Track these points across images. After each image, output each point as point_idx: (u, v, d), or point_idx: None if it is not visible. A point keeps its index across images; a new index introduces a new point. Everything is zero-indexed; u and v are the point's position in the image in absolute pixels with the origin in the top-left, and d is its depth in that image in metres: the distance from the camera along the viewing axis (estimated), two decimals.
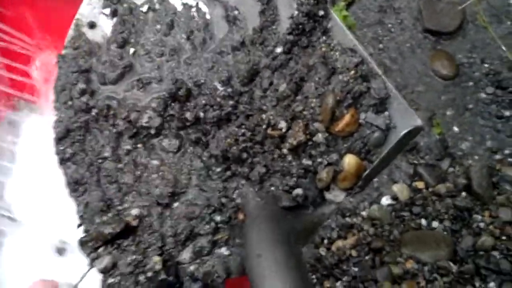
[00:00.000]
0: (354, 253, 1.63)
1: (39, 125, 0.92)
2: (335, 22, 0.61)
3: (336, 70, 0.58)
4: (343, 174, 0.57)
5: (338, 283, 1.64)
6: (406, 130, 0.55)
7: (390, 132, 0.56)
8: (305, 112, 0.58)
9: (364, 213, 1.69)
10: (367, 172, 0.57)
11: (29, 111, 0.93)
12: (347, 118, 0.56)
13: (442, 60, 1.80)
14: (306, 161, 0.58)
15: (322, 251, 1.69)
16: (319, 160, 0.58)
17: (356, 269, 1.61)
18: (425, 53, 1.83)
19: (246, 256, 0.56)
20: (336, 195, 0.59)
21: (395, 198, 1.71)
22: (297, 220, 0.59)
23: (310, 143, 0.58)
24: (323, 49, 0.61)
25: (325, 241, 1.69)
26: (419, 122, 0.55)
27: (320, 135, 0.57)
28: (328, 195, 0.59)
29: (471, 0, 1.80)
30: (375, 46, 1.85)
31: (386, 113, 0.56)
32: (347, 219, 1.70)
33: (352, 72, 0.57)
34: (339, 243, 1.67)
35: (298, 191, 0.59)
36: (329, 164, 0.58)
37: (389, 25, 1.90)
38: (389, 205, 1.70)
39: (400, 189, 1.70)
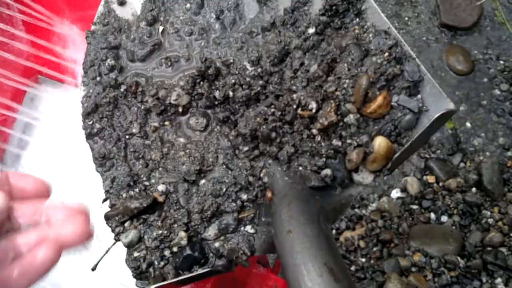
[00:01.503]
0: (362, 244, 1.64)
1: (62, 100, 0.93)
2: (369, 4, 0.61)
3: (370, 52, 0.58)
4: (372, 156, 0.57)
5: None
6: (439, 113, 0.55)
7: (422, 115, 0.56)
8: (337, 93, 0.58)
9: (373, 205, 1.70)
10: (397, 155, 0.57)
11: (52, 86, 0.94)
12: (379, 99, 0.56)
13: (458, 55, 1.80)
14: (336, 142, 0.59)
15: None
16: (349, 141, 0.58)
17: (363, 259, 1.62)
18: (441, 47, 1.83)
19: (275, 233, 0.56)
20: (365, 177, 0.59)
21: (405, 191, 1.71)
22: (325, 200, 0.60)
23: (340, 124, 0.58)
24: (356, 30, 0.61)
25: (334, 232, 1.70)
26: (452, 106, 0.55)
27: (351, 116, 0.57)
28: (356, 177, 0.60)
29: None
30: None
31: (419, 96, 0.56)
32: (356, 210, 1.71)
33: (386, 54, 0.57)
34: (348, 233, 1.68)
35: (327, 171, 0.59)
36: (359, 145, 0.58)
37: (406, 18, 1.89)
38: (398, 198, 1.71)
39: (411, 183, 1.71)
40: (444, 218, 1.65)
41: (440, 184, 1.69)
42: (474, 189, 1.67)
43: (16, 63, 0.94)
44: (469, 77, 1.81)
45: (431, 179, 1.71)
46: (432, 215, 1.66)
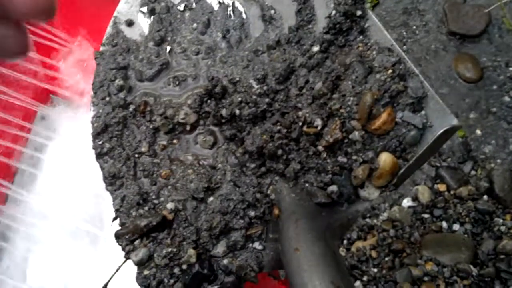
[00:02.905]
0: (374, 254, 1.64)
1: (73, 120, 0.94)
2: (373, 22, 0.62)
3: (373, 69, 0.59)
4: (378, 171, 0.57)
5: (358, 283, 1.64)
6: (443, 129, 0.55)
7: (426, 131, 0.57)
8: (341, 110, 0.59)
9: (385, 215, 1.70)
10: (402, 170, 0.58)
11: (63, 106, 0.96)
12: (384, 116, 0.56)
13: (466, 63, 1.80)
14: (342, 159, 0.59)
15: (342, 251, 1.70)
16: (355, 157, 0.59)
17: (375, 270, 1.62)
18: (449, 55, 1.83)
19: (282, 250, 0.57)
20: (371, 193, 0.60)
21: (416, 200, 1.71)
22: (332, 217, 0.60)
23: (346, 141, 0.59)
24: (360, 48, 0.62)
25: (345, 242, 1.69)
26: (455, 121, 0.55)
27: (356, 133, 0.58)
28: (362, 193, 0.60)
29: (497, 3, 1.79)
30: (399, 47, 1.84)
31: (423, 112, 0.57)
32: (368, 220, 1.70)
33: (390, 71, 0.58)
34: (359, 244, 1.67)
35: (333, 188, 0.60)
36: (364, 161, 0.58)
37: (414, 27, 1.89)
38: (410, 207, 1.70)
39: (422, 191, 1.70)
40: (456, 227, 1.64)
41: (451, 192, 1.69)
42: (485, 197, 1.66)
43: (28, 83, 0.96)
44: (478, 84, 1.80)
45: (442, 187, 1.70)
46: (444, 224, 1.65)
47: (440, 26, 1.90)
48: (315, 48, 0.64)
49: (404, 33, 1.91)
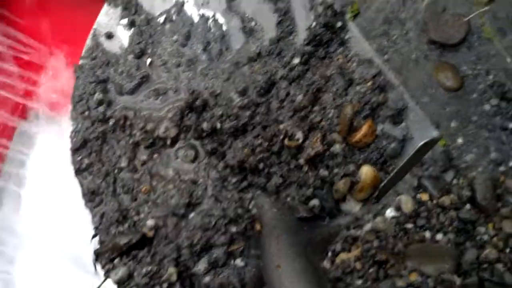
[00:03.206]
0: (358, 265, 1.63)
1: (52, 135, 0.93)
2: (353, 33, 0.62)
3: (354, 81, 0.59)
4: (359, 185, 0.57)
5: None
6: (423, 141, 0.55)
7: (407, 143, 0.57)
8: (322, 123, 0.58)
9: (368, 225, 1.70)
10: (383, 183, 0.58)
11: (42, 121, 0.94)
12: (364, 128, 0.56)
13: (447, 71, 1.81)
14: (323, 172, 0.59)
15: (327, 264, 1.69)
16: (336, 170, 0.58)
17: (359, 281, 1.61)
18: (430, 64, 1.85)
19: (264, 266, 0.56)
20: (352, 206, 0.59)
21: (399, 210, 1.71)
22: (314, 231, 0.60)
23: (327, 154, 0.59)
24: (340, 60, 0.61)
25: (329, 254, 1.69)
26: (436, 133, 0.55)
27: (337, 145, 0.57)
28: (344, 206, 0.60)
29: (476, 12, 1.82)
30: (379, 57, 1.86)
31: (403, 124, 0.57)
32: (352, 231, 1.70)
33: (370, 83, 0.58)
34: (343, 255, 1.67)
35: (315, 202, 0.59)
36: (345, 175, 0.58)
37: (394, 36, 1.91)
38: (393, 217, 1.70)
39: (404, 201, 1.70)
40: (439, 236, 1.64)
41: (434, 201, 1.69)
42: (468, 206, 1.67)
43: (5, 97, 0.94)
44: (458, 93, 1.82)
45: (424, 197, 1.70)
46: (427, 234, 1.65)
47: (420, 35, 1.92)
48: (296, 60, 0.64)
49: (385, 42, 1.92)
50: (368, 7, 2.10)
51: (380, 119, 0.57)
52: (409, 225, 1.68)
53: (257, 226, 0.61)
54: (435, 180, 1.76)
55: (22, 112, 0.98)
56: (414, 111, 0.56)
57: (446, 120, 1.93)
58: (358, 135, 0.56)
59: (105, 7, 0.76)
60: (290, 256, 0.53)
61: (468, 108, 1.88)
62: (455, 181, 1.74)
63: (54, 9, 0.94)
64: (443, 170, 1.82)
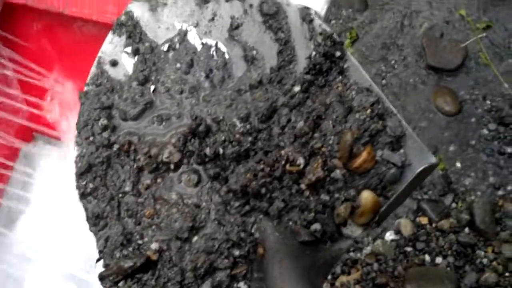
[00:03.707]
0: None
1: (55, 158, 0.94)
2: (351, 63, 0.64)
3: (353, 109, 0.61)
4: (360, 209, 0.58)
5: None
6: (421, 167, 0.57)
7: (406, 169, 0.58)
8: (323, 149, 0.60)
9: (368, 248, 1.70)
10: (383, 208, 0.59)
11: (46, 144, 0.96)
12: (364, 155, 0.58)
13: (445, 96, 1.84)
14: (324, 197, 0.60)
15: (326, 287, 1.69)
16: (337, 195, 0.60)
17: None
18: (428, 89, 1.88)
19: None
20: (353, 230, 0.61)
21: (399, 233, 1.72)
22: (316, 255, 0.61)
23: (328, 179, 0.60)
24: (340, 88, 0.63)
25: (329, 277, 1.69)
26: (433, 159, 0.57)
27: (338, 171, 0.59)
28: (345, 230, 0.61)
29: (473, 38, 1.85)
30: (378, 82, 1.89)
31: (402, 150, 0.59)
32: (351, 254, 1.70)
33: (369, 110, 0.59)
34: (343, 278, 1.67)
35: (316, 226, 0.60)
36: (346, 199, 0.59)
37: (392, 62, 1.94)
38: (392, 240, 1.71)
39: (404, 225, 1.71)
40: (438, 260, 1.65)
41: (433, 225, 1.70)
42: (467, 229, 1.68)
43: (10, 121, 0.96)
44: (457, 117, 1.84)
45: (424, 220, 1.71)
46: (427, 257, 1.66)
47: (418, 60, 1.95)
48: (296, 88, 0.66)
49: (383, 67, 1.96)
50: (367, 32, 2.14)
51: (379, 145, 0.59)
52: (409, 248, 1.69)
53: (260, 250, 0.62)
54: (434, 204, 1.77)
55: (26, 135, 0.99)
56: (412, 138, 0.58)
57: (444, 144, 1.95)
58: (358, 161, 0.57)
59: (110, 35, 0.78)
60: (294, 279, 0.54)
61: (467, 133, 1.90)
62: (454, 205, 1.76)
63: (60, 35, 0.96)
64: (442, 194, 1.84)
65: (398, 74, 1.92)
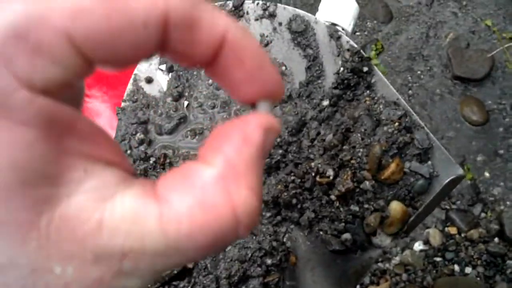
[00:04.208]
0: None
1: None
2: (379, 77, 0.66)
3: (381, 122, 0.63)
4: (389, 220, 0.60)
5: None
6: (449, 178, 0.58)
7: (434, 180, 0.60)
8: (352, 161, 0.62)
9: (397, 259, 1.70)
10: (412, 218, 0.60)
11: None
12: (392, 166, 0.60)
13: (472, 106, 1.84)
14: (354, 207, 0.62)
15: None
16: (366, 206, 0.62)
17: None
18: (455, 99, 1.87)
19: None
20: (383, 240, 0.62)
21: (427, 243, 1.71)
22: (347, 264, 0.62)
23: (357, 190, 0.62)
24: (368, 102, 0.65)
25: (358, 287, 1.69)
26: (460, 171, 0.58)
27: (367, 182, 0.61)
28: (375, 240, 0.63)
29: (500, 48, 1.85)
30: (404, 92, 1.90)
31: (429, 162, 0.60)
32: (380, 264, 1.71)
33: (396, 124, 0.61)
34: None
35: (347, 235, 0.62)
36: (376, 210, 0.61)
37: (418, 72, 1.95)
38: (421, 250, 1.71)
39: (433, 235, 1.71)
40: (468, 270, 1.64)
41: (462, 235, 1.69)
42: (496, 239, 1.67)
43: None
44: (484, 127, 1.83)
45: (453, 230, 1.71)
46: (456, 267, 1.65)
47: (444, 70, 1.95)
48: (325, 102, 0.68)
49: (409, 78, 1.96)
50: (392, 43, 2.14)
51: (407, 157, 0.60)
52: (438, 258, 1.69)
53: (292, 259, 0.64)
54: (463, 214, 1.76)
55: None
56: (440, 150, 0.59)
57: (472, 154, 1.94)
58: (387, 172, 0.59)
59: None
60: (326, 287, 0.56)
61: (494, 142, 1.89)
62: (483, 215, 1.75)
63: None
64: (471, 203, 1.82)
65: (425, 85, 1.93)
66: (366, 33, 2.06)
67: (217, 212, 0.19)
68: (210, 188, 0.20)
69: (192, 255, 0.20)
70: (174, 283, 0.66)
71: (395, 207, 0.60)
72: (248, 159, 0.21)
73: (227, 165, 0.21)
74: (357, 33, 2.05)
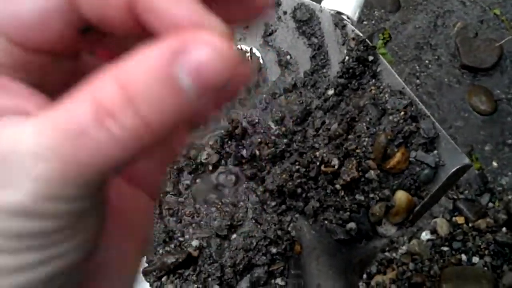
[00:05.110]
0: None
1: None
2: (384, 66, 0.65)
3: (386, 111, 0.62)
4: (394, 209, 0.60)
5: None
6: (455, 168, 0.58)
7: (439, 169, 0.59)
8: (357, 150, 0.62)
9: (404, 248, 1.70)
10: (417, 207, 0.60)
11: None
12: (398, 156, 0.59)
13: (480, 95, 1.82)
14: (359, 197, 0.62)
15: (362, 286, 1.70)
16: (372, 195, 0.62)
17: None
18: (463, 88, 1.86)
19: (305, 286, 0.59)
20: (388, 229, 0.62)
21: (435, 233, 1.71)
22: (351, 253, 0.62)
23: (362, 179, 0.62)
24: (373, 91, 0.65)
25: (365, 276, 1.69)
26: (467, 160, 0.58)
27: (372, 172, 0.61)
28: (380, 229, 0.63)
29: (508, 37, 1.82)
30: (412, 81, 1.88)
31: (435, 151, 0.60)
32: (387, 253, 1.70)
33: (402, 113, 0.61)
34: (379, 278, 1.67)
35: (352, 225, 0.62)
36: (381, 199, 0.61)
37: (426, 61, 1.93)
38: (428, 240, 1.70)
39: (440, 224, 1.70)
40: (475, 259, 1.63)
41: (470, 224, 1.69)
42: (504, 229, 1.66)
43: None
44: (492, 116, 1.82)
45: (460, 220, 1.70)
46: (463, 257, 1.65)
47: (452, 60, 1.93)
48: (330, 92, 0.68)
49: (417, 67, 1.95)
50: (399, 33, 2.12)
51: (413, 146, 0.60)
52: (445, 248, 1.68)
53: (297, 248, 0.64)
54: (471, 203, 1.75)
55: None
56: (446, 139, 0.59)
57: (480, 143, 1.92)
58: (392, 162, 0.59)
59: None
60: (331, 276, 0.56)
61: (503, 132, 1.87)
62: (490, 204, 1.74)
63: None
64: (478, 193, 1.82)
65: (432, 74, 1.91)
66: (373, 22, 2.04)
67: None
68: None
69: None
70: (179, 271, 0.67)
71: (401, 196, 0.60)
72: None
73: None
74: (364, 22, 2.04)
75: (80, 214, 0.20)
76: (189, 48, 0.18)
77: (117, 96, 0.18)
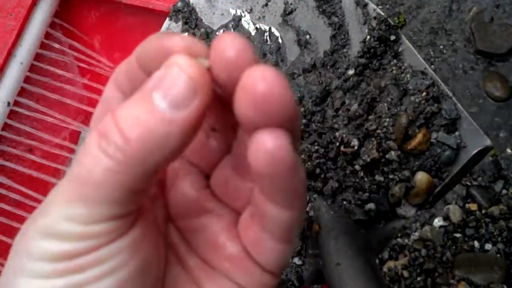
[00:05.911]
0: (406, 274, 1.63)
1: None
2: (406, 46, 0.64)
3: (408, 92, 0.62)
4: (414, 190, 0.59)
5: None
6: (476, 149, 0.57)
7: (461, 151, 0.59)
8: (378, 131, 0.61)
9: (416, 234, 1.70)
10: (437, 189, 0.60)
11: None
12: (419, 137, 0.59)
13: (495, 81, 1.80)
14: (379, 177, 0.61)
15: None
16: (391, 176, 0.61)
17: None
18: (478, 74, 1.84)
19: (324, 265, 0.59)
20: (407, 211, 0.62)
21: (447, 219, 1.70)
22: (370, 234, 0.62)
23: (382, 160, 0.61)
24: (394, 71, 0.64)
25: (377, 262, 1.69)
26: (489, 142, 0.57)
27: (393, 152, 0.60)
28: (399, 210, 0.62)
29: None
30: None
31: (457, 133, 0.59)
32: (399, 239, 1.70)
33: (424, 93, 0.60)
34: (391, 263, 1.67)
35: (371, 205, 0.62)
36: (401, 180, 0.61)
37: (441, 47, 1.91)
38: (441, 226, 1.70)
39: (453, 211, 1.70)
40: (488, 246, 1.63)
41: (483, 211, 1.68)
42: None
43: (71, 105, 1.00)
44: (507, 103, 1.80)
45: (473, 206, 1.69)
46: (476, 243, 1.64)
47: (467, 45, 1.91)
48: (350, 72, 0.67)
49: (432, 52, 1.93)
50: (414, 17, 2.10)
51: (434, 128, 0.59)
52: (458, 235, 1.68)
53: (315, 227, 0.64)
54: (484, 190, 1.74)
55: (85, 118, 1.04)
56: (467, 120, 0.58)
57: (495, 130, 1.91)
58: (413, 142, 0.58)
59: (167, 22, 0.81)
60: (349, 256, 0.56)
61: None
62: (504, 191, 1.73)
63: (115, 25, 1.00)
64: (492, 180, 1.80)
65: (447, 59, 1.89)
66: (388, 6, 2.02)
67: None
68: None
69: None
70: None
71: (421, 177, 0.59)
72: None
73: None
74: (379, 6, 2.01)
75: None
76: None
77: (109, 121, 0.25)
